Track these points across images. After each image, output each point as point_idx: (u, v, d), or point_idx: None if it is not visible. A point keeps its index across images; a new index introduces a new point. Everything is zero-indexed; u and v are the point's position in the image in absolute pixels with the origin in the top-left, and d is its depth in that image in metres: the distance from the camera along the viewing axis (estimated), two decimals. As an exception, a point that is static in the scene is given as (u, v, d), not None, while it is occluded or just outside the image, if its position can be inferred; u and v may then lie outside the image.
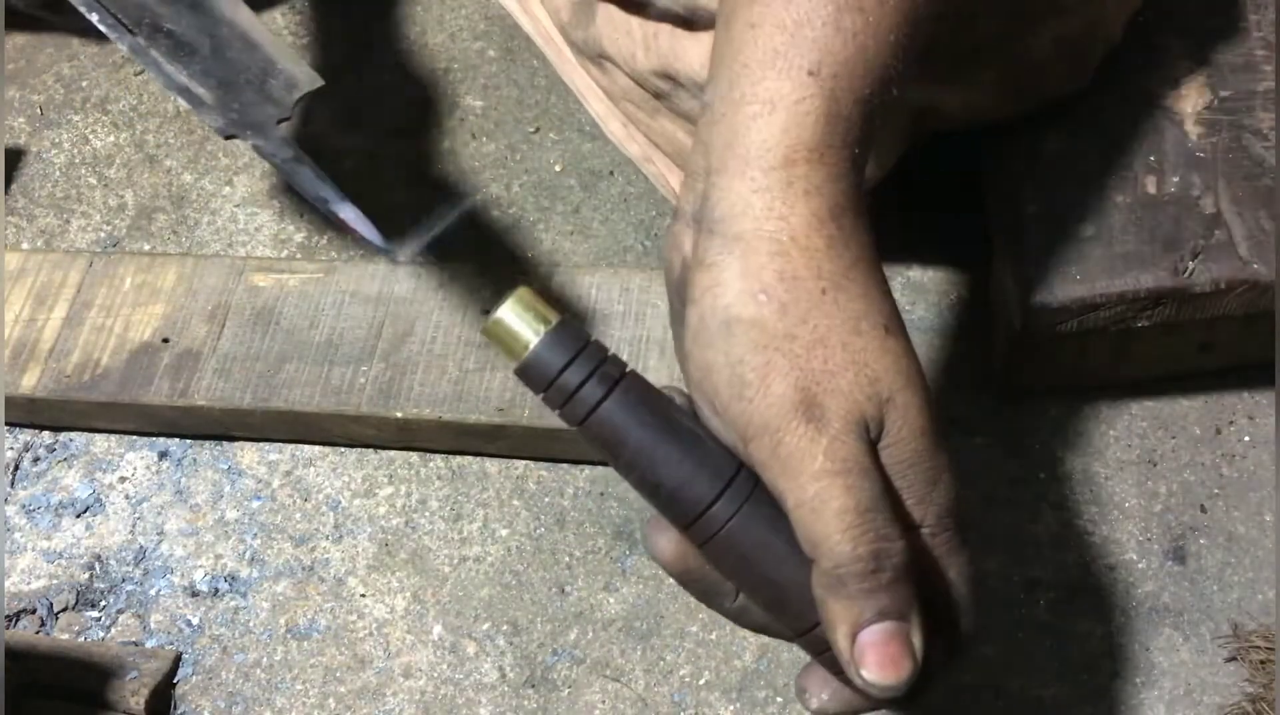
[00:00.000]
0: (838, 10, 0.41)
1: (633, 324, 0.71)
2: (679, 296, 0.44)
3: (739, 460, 0.40)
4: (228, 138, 0.60)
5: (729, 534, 0.39)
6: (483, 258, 0.81)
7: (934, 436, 0.40)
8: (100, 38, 0.96)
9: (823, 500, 0.38)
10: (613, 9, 0.70)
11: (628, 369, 0.41)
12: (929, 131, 0.68)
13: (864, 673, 0.38)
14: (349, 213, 0.58)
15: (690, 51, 0.65)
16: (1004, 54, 0.62)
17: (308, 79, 0.62)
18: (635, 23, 0.68)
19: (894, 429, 0.39)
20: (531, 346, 0.40)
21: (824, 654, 0.41)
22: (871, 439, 0.39)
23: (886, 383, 0.39)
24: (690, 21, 0.64)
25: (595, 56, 0.75)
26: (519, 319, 0.40)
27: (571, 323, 0.41)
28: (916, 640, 0.39)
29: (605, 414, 0.40)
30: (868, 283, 0.41)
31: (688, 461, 0.40)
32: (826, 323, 0.39)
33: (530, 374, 0.41)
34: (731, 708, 0.64)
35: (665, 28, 0.66)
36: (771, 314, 0.39)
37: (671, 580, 0.67)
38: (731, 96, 0.41)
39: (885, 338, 0.40)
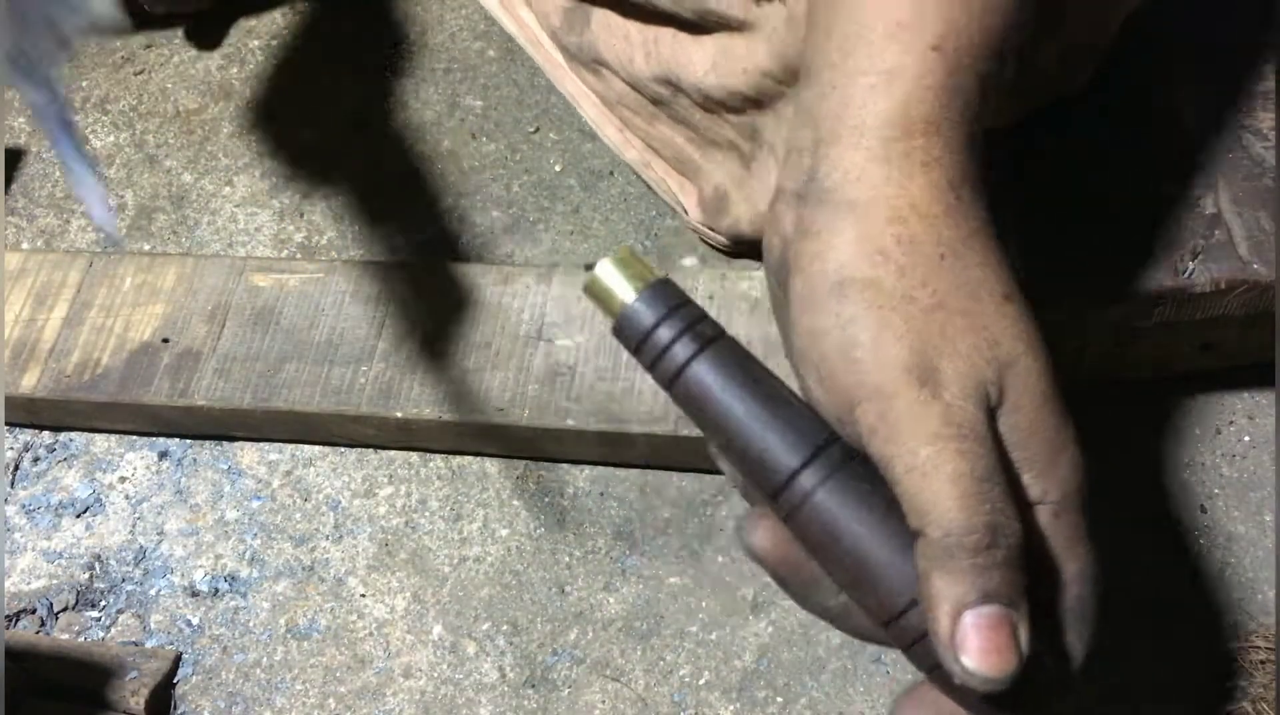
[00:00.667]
0: None
1: (633, 324, 0.70)
2: (779, 279, 0.42)
3: (833, 430, 0.39)
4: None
5: (817, 503, 0.37)
6: (484, 258, 0.81)
7: (1059, 405, 0.38)
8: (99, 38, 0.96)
9: (935, 465, 0.35)
10: (610, 14, 0.69)
11: (723, 332, 0.40)
12: None
13: (964, 659, 0.34)
14: (90, 189, 0.51)
15: (695, 56, 0.64)
16: None
17: (109, 14, 0.49)
18: (634, 28, 0.68)
19: (1015, 394, 0.37)
20: (627, 303, 0.39)
21: (914, 645, 0.38)
22: (991, 407, 0.37)
23: (1007, 347, 0.37)
24: (698, 26, 0.63)
25: (590, 62, 0.74)
26: (617, 276, 0.40)
27: (669, 283, 0.40)
28: (1023, 634, 0.35)
29: (694, 373, 0.39)
30: (987, 252, 0.39)
31: (777, 424, 0.38)
32: (945, 287, 0.38)
33: (624, 330, 0.40)
34: (731, 708, 0.64)
35: (667, 33, 0.66)
36: (889, 274, 0.37)
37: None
38: (845, 67, 0.40)
39: (1005, 303, 0.38)
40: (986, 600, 0.35)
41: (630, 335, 0.40)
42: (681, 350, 0.39)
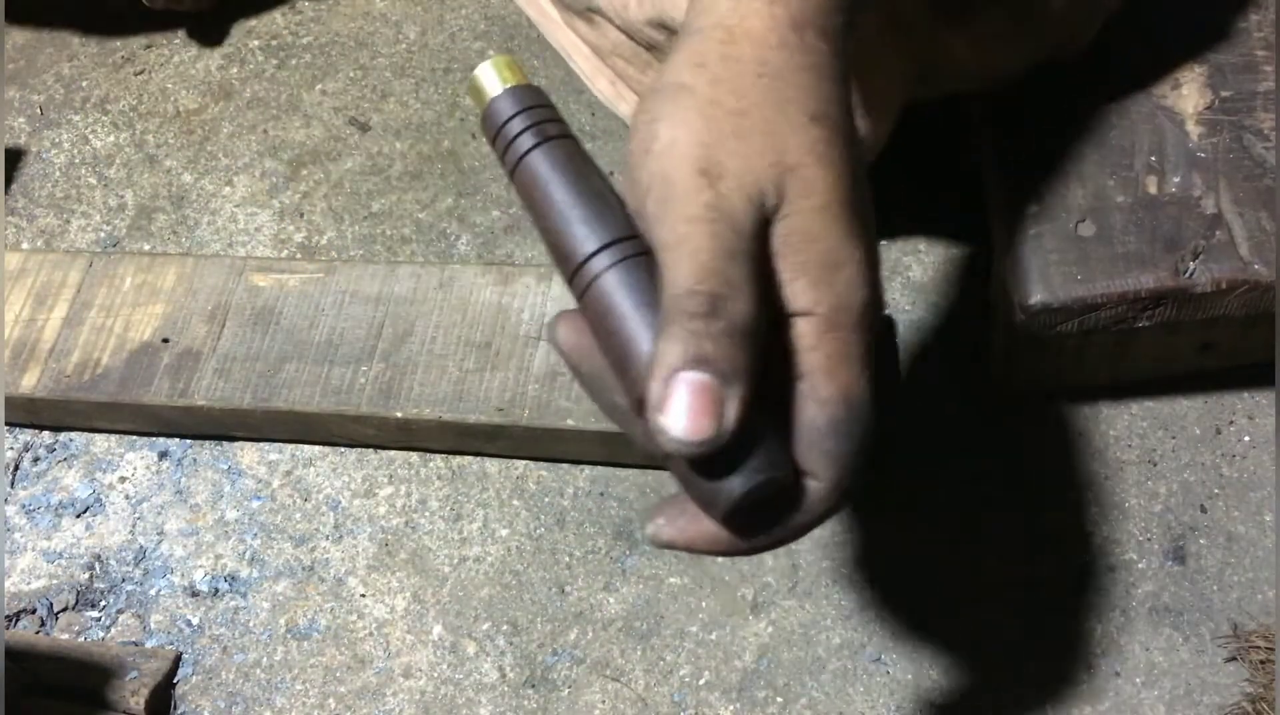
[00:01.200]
0: None
1: (633, 324, 0.70)
2: None
3: (637, 230, 0.41)
4: None
5: (599, 285, 0.39)
6: (483, 258, 0.81)
7: (843, 218, 0.39)
8: (100, 37, 0.96)
9: (685, 240, 0.37)
10: None
11: (570, 136, 0.43)
12: (937, 85, 0.67)
13: (659, 417, 0.35)
14: None
15: None
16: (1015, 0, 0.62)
17: None
18: None
19: (794, 201, 0.39)
20: (493, 96, 0.44)
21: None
22: (768, 209, 0.38)
23: (794, 156, 0.39)
24: None
25: (583, 10, 0.74)
26: (493, 76, 0.44)
27: (535, 89, 0.44)
28: (731, 410, 0.35)
29: (529, 162, 0.42)
30: (814, 88, 0.40)
31: (586, 214, 0.40)
32: (753, 100, 0.39)
33: (486, 121, 0.44)
34: (731, 708, 0.64)
35: None
36: (702, 81, 0.40)
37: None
38: None
39: (810, 123, 0.40)
40: (697, 365, 0.35)
41: (490, 126, 0.44)
42: (525, 141, 0.42)
